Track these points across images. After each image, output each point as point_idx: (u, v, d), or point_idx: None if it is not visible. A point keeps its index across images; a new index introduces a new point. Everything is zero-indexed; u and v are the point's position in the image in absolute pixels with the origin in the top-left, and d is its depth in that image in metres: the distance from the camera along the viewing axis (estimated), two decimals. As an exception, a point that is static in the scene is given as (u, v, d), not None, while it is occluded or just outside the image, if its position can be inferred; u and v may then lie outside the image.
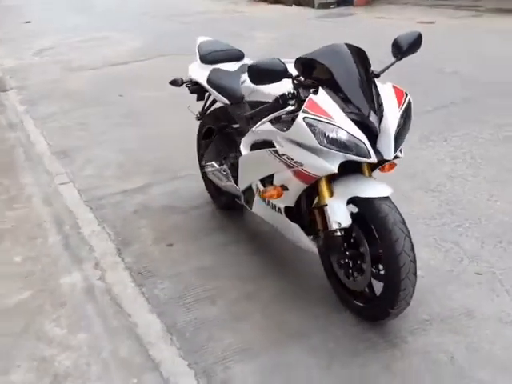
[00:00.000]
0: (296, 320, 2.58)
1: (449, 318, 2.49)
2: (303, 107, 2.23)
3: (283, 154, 2.39)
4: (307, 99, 2.24)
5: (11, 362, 2.52)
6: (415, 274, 2.23)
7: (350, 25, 10.49)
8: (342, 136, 2.19)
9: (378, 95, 2.30)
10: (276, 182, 2.55)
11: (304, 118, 2.21)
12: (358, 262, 2.38)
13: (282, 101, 2.35)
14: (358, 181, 2.34)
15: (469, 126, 4.65)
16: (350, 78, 2.28)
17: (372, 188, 2.28)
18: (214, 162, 3.33)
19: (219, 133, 3.36)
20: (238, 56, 3.38)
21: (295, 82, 2.36)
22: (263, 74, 2.25)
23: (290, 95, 2.33)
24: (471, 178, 3.78)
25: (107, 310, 2.82)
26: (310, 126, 2.20)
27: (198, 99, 3.62)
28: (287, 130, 2.32)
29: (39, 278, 3.15)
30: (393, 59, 2.47)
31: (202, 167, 3.77)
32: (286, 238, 2.87)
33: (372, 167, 2.44)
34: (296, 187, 2.48)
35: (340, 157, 2.23)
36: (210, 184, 3.74)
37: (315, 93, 2.27)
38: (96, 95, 6.80)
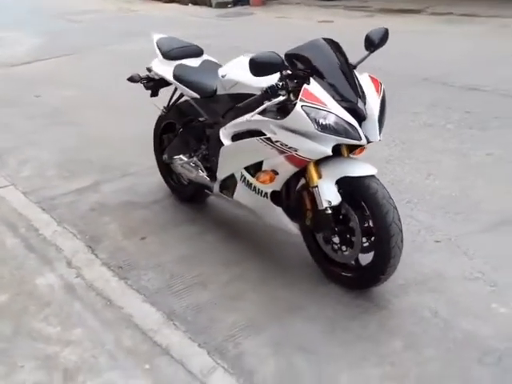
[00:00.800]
0: (289, 295, 2.77)
1: (423, 280, 2.81)
2: (300, 96, 2.43)
3: (277, 141, 2.57)
4: (302, 89, 2.44)
5: (13, 364, 2.47)
6: (402, 241, 2.52)
7: (255, 24, 10.83)
8: (336, 121, 2.42)
9: (360, 84, 2.56)
10: (266, 167, 2.72)
11: (302, 106, 2.41)
12: (348, 236, 2.63)
13: (271, 92, 2.53)
14: (345, 162, 2.58)
15: (394, 116, 5.09)
16: (335, 69, 2.52)
17: (360, 167, 2.53)
18: (182, 156, 3.43)
19: (184, 127, 3.46)
20: (198, 52, 3.50)
21: (283, 73, 2.56)
22: (264, 66, 2.42)
23: (279, 86, 2.52)
24: (407, 160, 4.19)
25: (96, 305, 2.83)
26: (307, 113, 2.41)
27: (153, 95, 3.69)
28: (281, 118, 2.51)
29: (11, 281, 3.07)
30: (365, 52, 2.73)
31: (161, 161, 3.84)
32: (260, 224, 3.07)
33: (350, 150, 2.70)
34: (286, 172, 2.67)
35: (333, 140, 2.46)
36: (170, 177, 3.82)
37: (307, 83, 2.47)
38: (8, 96, 6.52)
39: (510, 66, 6.41)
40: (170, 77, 3.38)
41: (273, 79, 2.64)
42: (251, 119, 2.60)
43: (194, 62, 3.43)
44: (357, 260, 2.70)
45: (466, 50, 7.30)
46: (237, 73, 2.82)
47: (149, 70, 3.66)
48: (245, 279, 2.93)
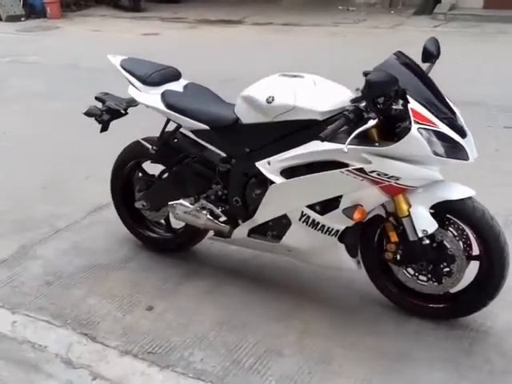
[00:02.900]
0: (382, 342, 2.42)
1: None
2: (413, 118, 2.13)
3: (372, 171, 2.23)
4: (410, 109, 2.14)
5: None
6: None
7: (73, 38, 9.84)
8: (449, 142, 2.18)
9: (447, 97, 2.35)
10: (347, 202, 2.34)
11: (418, 128, 2.12)
12: (445, 264, 2.40)
13: (354, 115, 2.19)
14: (434, 185, 2.34)
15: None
16: (422, 85, 2.27)
17: (457, 189, 2.32)
18: (182, 201, 2.81)
19: (178, 165, 2.85)
20: (176, 74, 2.91)
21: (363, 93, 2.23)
22: (381, 86, 2.07)
23: (367, 109, 2.19)
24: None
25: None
26: (423, 136, 2.13)
27: (103, 130, 3.01)
28: (381, 145, 2.19)
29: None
30: (425, 65, 2.50)
31: (123, 209, 3.15)
32: (284, 263, 2.76)
33: None
34: (374, 204, 2.35)
35: (441, 163, 2.22)
36: (144, 226, 3.15)
37: (406, 102, 2.18)
38: None
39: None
40: (161, 106, 2.75)
41: (334, 102, 2.34)
42: (345, 148, 2.17)
43: (177, 87, 2.85)
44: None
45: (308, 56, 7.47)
46: (290, 96, 2.38)
47: (102, 100, 2.96)
48: (316, 334, 2.49)
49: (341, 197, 2.37)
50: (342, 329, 2.53)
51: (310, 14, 10.67)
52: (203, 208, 2.78)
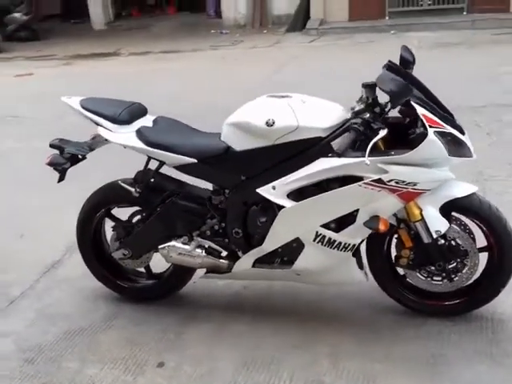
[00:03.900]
0: (417, 347, 2.42)
1: None
2: (427, 123, 2.17)
3: (390, 180, 2.23)
4: (421, 114, 2.19)
5: None
6: None
7: None
8: (456, 141, 2.25)
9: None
10: (364, 215, 2.32)
11: (434, 132, 2.16)
12: (458, 260, 2.46)
13: (364, 127, 2.20)
14: (439, 186, 2.39)
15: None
16: (421, 90, 2.32)
17: (461, 187, 2.38)
18: (175, 243, 2.61)
19: (162, 206, 2.64)
20: (143, 110, 2.73)
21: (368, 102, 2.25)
22: (402, 94, 2.09)
23: (369, 118, 2.21)
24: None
25: None
26: (439, 139, 2.18)
27: (61, 180, 2.75)
28: (397, 153, 2.21)
29: None
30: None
31: (94, 260, 2.88)
32: (286, 291, 2.69)
33: None
34: (390, 212, 2.35)
35: (450, 162, 2.29)
36: (121, 277, 2.89)
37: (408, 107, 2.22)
38: None
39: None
40: (139, 145, 2.54)
41: (332, 117, 2.35)
42: (367, 160, 2.14)
43: (148, 122, 2.67)
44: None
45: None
46: (291, 117, 2.32)
47: (59, 148, 2.69)
48: (346, 354, 2.41)
49: (356, 211, 2.35)
50: (368, 343, 2.49)
51: (185, 40, 10.65)
52: (199, 246, 2.61)
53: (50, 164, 2.62)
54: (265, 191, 2.42)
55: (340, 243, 2.40)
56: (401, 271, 2.59)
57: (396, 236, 2.51)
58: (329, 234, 2.39)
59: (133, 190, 2.59)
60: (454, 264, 2.46)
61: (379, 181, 2.25)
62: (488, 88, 5.95)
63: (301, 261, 2.48)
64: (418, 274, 2.53)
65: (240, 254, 2.59)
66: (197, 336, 2.64)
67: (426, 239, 2.39)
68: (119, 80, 7.77)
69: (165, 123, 2.68)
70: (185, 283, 2.86)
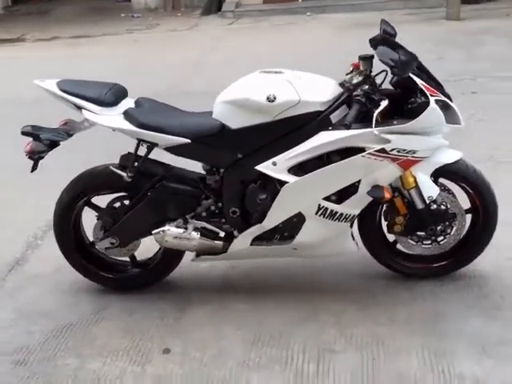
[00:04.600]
0: (416, 308, 2.53)
1: None
2: (428, 92, 2.25)
3: (392, 150, 2.30)
4: (420, 84, 2.27)
5: None
6: None
7: None
8: (449, 109, 2.37)
9: None
10: (365, 185, 2.37)
11: (434, 100, 2.25)
12: (447, 223, 2.59)
13: (366, 98, 2.26)
14: None
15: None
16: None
17: (449, 153, 2.49)
18: (169, 226, 2.53)
19: (153, 190, 2.54)
20: (124, 91, 2.60)
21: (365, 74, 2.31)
22: (410, 64, 2.16)
23: (369, 90, 2.28)
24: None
25: None
26: (439, 107, 2.28)
27: (34, 169, 2.59)
28: (400, 123, 2.28)
29: None
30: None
31: (75, 252, 2.73)
32: (276, 266, 2.71)
33: None
34: (389, 181, 2.42)
35: (443, 129, 2.40)
36: (106, 268, 2.77)
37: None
38: None
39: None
40: (129, 127, 2.42)
41: (329, 91, 2.40)
42: (375, 130, 2.20)
43: (131, 104, 2.56)
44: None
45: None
46: (292, 91, 2.32)
47: (33, 135, 2.51)
48: (351, 321, 2.46)
49: (358, 182, 2.40)
50: (370, 309, 2.57)
51: (95, 25, 10.18)
52: (195, 228, 2.56)
53: (31, 152, 2.44)
54: (265, 168, 2.41)
55: (341, 214, 2.45)
56: (391, 238, 2.69)
57: (386, 205, 2.60)
58: (331, 206, 2.43)
59: (125, 174, 2.48)
60: (443, 227, 2.60)
61: (382, 150, 2.31)
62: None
63: (301, 235, 2.50)
64: (409, 240, 2.64)
65: (236, 233, 2.57)
66: (196, 319, 2.60)
67: (419, 205, 2.49)
68: (34, 67, 7.31)
69: (148, 104, 2.58)
70: (173, 269, 2.79)
